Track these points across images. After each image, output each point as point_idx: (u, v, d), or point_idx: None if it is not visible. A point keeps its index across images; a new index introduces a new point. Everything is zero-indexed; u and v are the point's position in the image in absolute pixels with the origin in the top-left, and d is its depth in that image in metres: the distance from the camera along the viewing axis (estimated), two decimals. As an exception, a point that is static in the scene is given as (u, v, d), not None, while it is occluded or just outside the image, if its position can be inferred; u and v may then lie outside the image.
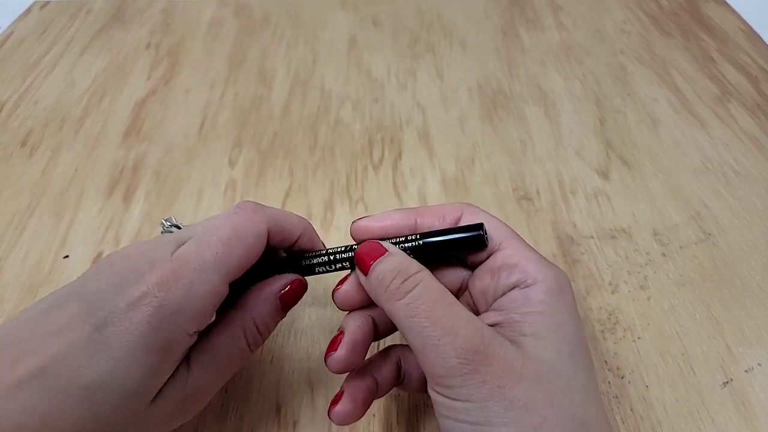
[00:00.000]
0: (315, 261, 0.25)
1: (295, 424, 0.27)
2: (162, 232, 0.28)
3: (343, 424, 0.24)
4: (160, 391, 0.20)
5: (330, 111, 0.45)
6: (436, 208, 0.24)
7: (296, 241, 0.25)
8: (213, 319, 0.22)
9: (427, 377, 0.20)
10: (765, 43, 0.52)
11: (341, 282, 0.24)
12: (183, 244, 0.22)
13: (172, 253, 0.21)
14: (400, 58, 0.51)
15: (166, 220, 0.30)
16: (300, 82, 0.48)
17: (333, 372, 0.23)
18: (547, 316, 0.21)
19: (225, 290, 0.21)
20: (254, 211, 0.23)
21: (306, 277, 0.25)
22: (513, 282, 0.22)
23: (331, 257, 0.24)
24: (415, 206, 0.26)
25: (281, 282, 0.24)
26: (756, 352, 0.29)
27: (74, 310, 0.20)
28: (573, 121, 0.44)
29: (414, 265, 0.21)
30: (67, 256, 0.35)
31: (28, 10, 0.59)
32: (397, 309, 0.20)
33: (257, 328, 0.23)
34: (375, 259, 0.22)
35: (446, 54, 0.51)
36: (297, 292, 0.24)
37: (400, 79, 0.48)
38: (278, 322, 0.24)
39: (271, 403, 0.28)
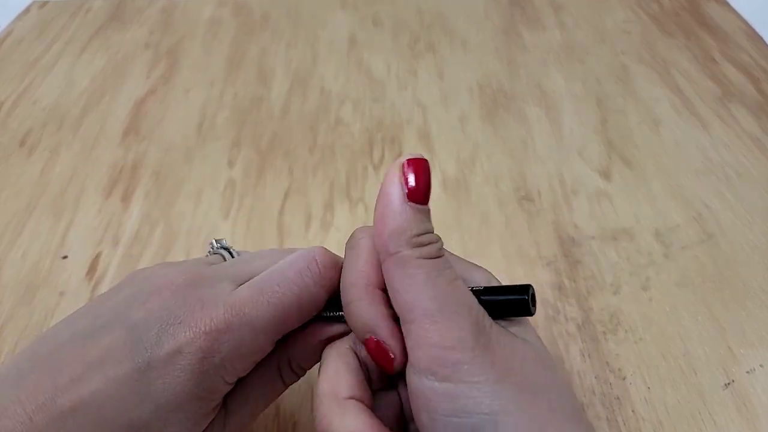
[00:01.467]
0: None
1: (294, 425, 0.27)
2: (210, 253, 0.25)
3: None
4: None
5: (330, 111, 0.45)
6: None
7: None
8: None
9: (417, 360, 0.18)
10: (766, 43, 0.52)
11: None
12: (239, 283, 0.20)
13: (224, 293, 0.20)
14: (401, 57, 0.51)
15: (217, 241, 0.26)
16: (300, 81, 0.48)
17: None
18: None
19: (270, 348, 0.20)
20: (323, 276, 0.21)
21: None
22: None
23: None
24: None
25: (328, 332, 0.22)
26: (758, 353, 0.29)
27: (117, 341, 0.19)
28: (574, 121, 0.43)
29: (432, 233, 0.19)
30: (65, 257, 0.35)
31: (27, 10, 0.58)
32: (420, 263, 0.18)
33: (294, 368, 0.22)
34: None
35: (447, 53, 0.51)
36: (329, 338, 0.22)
37: (401, 79, 0.48)
38: (317, 362, 0.22)
39: (270, 406, 0.28)
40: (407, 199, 0.18)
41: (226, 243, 0.26)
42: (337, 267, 0.21)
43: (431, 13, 0.57)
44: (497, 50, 0.51)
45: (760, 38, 0.52)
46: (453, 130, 0.43)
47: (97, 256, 0.35)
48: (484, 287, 0.20)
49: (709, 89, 0.46)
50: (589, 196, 0.38)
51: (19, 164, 0.41)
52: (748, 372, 0.28)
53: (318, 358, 0.21)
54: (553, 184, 0.39)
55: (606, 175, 0.39)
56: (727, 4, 0.57)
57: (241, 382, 0.21)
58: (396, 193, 0.19)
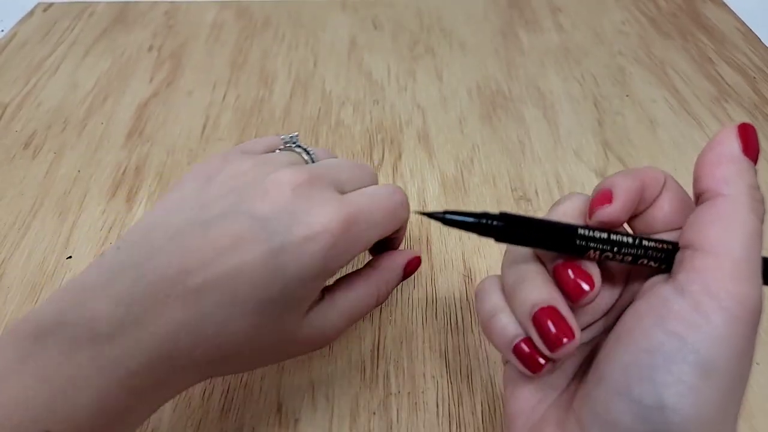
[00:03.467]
0: (599, 245, 0.19)
1: (296, 422, 0.27)
2: (281, 149, 0.27)
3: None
4: (307, 315, 0.23)
5: (331, 112, 0.46)
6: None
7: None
8: None
9: (689, 282, 0.17)
10: (762, 43, 0.52)
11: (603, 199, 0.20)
12: (338, 190, 0.23)
13: (337, 195, 0.23)
14: (400, 59, 0.51)
15: (290, 137, 0.28)
16: (301, 83, 0.49)
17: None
18: None
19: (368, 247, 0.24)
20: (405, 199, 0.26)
21: None
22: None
23: (624, 243, 0.19)
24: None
25: (408, 256, 0.27)
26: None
27: (246, 229, 0.21)
28: (572, 122, 0.44)
29: None
30: (70, 257, 0.35)
31: (31, 12, 0.59)
32: (755, 203, 0.18)
33: (386, 287, 0.26)
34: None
35: (446, 55, 0.52)
36: (416, 268, 0.27)
37: (400, 81, 0.49)
38: (399, 282, 0.27)
39: (272, 402, 0.28)
40: (744, 153, 0.19)
41: (298, 140, 0.28)
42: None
43: (430, 16, 0.57)
44: (496, 52, 0.52)
45: (757, 39, 0.53)
46: (452, 131, 0.44)
47: (101, 257, 0.35)
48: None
49: (706, 89, 0.47)
50: (586, 196, 0.38)
51: (24, 166, 0.41)
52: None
53: (397, 284, 0.26)
54: (550, 184, 0.39)
55: (603, 175, 0.40)
56: (724, 5, 0.57)
57: (347, 285, 0.25)
58: (736, 144, 0.19)
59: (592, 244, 0.19)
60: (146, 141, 0.43)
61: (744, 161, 0.18)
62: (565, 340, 0.18)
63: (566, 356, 0.19)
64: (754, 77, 0.48)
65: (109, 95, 0.48)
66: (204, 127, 0.45)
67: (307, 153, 0.27)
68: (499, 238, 0.20)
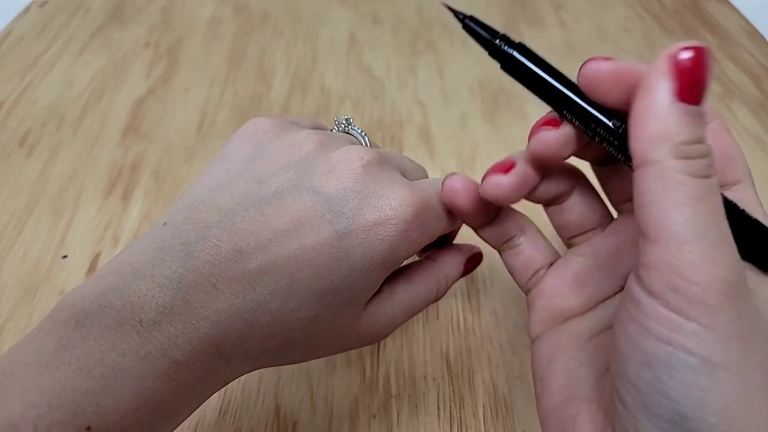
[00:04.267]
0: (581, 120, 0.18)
1: (294, 425, 0.27)
2: (335, 129, 0.26)
3: (497, 201, 0.21)
4: (366, 307, 0.21)
5: (330, 109, 0.45)
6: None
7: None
8: None
9: (650, 280, 0.15)
10: (767, 41, 0.52)
11: (553, 122, 0.19)
12: (404, 175, 0.22)
13: (404, 180, 0.21)
14: (401, 55, 0.51)
15: (345, 118, 0.26)
16: (299, 80, 0.48)
17: (489, 197, 0.20)
18: None
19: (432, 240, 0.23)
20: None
21: None
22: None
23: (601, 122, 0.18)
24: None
25: (470, 250, 0.26)
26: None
27: (308, 209, 0.19)
28: (574, 120, 0.43)
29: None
30: (65, 256, 0.35)
31: (27, 9, 0.58)
32: (682, 189, 0.15)
33: (446, 282, 0.24)
34: (698, 101, 0.16)
35: (447, 51, 0.51)
36: (477, 263, 0.26)
37: (401, 77, 0.48)
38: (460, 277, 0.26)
39: (271, 404, 0.28)
40: (677, 98, 0.15)
41: (353, 122, 0.27)
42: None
43: (431, 11, 0.56)
44: (497, 48, 0.51)
45: (761, 37, 0.52)
46: (453, 129, 0.43)
47: (97, 256, 0.35)
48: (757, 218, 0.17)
49: (710, 88, 0.46)
50: (589, 195, 0.37)
51: (19, 164, 0.41)
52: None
53: (457, 278, 0.25)
54: (553, 182, 0.38)
55: (607, 173, 0.39)
56: (728, 3, 0.57)
57: (406, 278, 0.23)
58: (663, 89, 0.15)
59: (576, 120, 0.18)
60: (142, 139, 0.43)
61: (674, 112, 0.15)
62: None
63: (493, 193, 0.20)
64: (759, 75, 0.47)
65: (105, 92, 0.47)
66: (201, 124, 0.44)
67: (363, 137, 0.25)
68: (504, 66, 0.19)
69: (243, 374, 0.20)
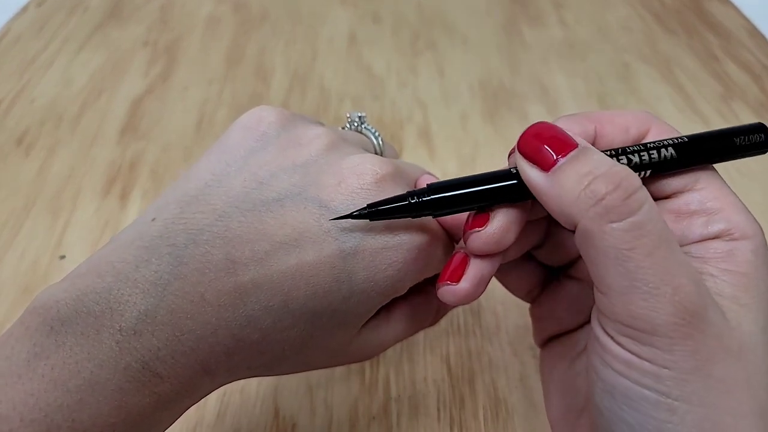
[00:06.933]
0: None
1: (293, 427, 0.27)
2: (347, 127, 0.24)
3: (459, 304, 0.19)
4: (361, 331, 0.20)
5: (329, 108, 0.45)
6: (615, 117, 0.19)
7: None
8: None
9: (605, 323, 0.16)
10: (769, 40, 0.51)
11: (480, 220, 0.18)
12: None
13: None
14: (401, 54, 0.50)
15: (359, 116, 0.24)
16: (299, 79, 0.48)
17: (449, 303, 0.19)
18: (752, 280, 0.17)
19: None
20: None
21: None
22: (715, 232, 0.17)
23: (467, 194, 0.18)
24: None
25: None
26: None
27: (311, 222, 0.17)
28: (575, 120, 0.43)
29: (635, 177, 0.16)
30: (63, 256, 0.34)
31: (25, 8, 0.58)
32: (607, 234, 0.15)
33: (444, 309, 0.23)
34: (563, 152, 0.16)
35: (447, 51, 0.51)
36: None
37: (401, 77, 0.48)
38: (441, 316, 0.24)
39: (269, 407, 0.27)
40: (546, 170, 0.16)
41: (367, 120, 0.24)
42: None
43: (432, 10, 0.56)
44: (498, 47, 0.51)
45: (762, 36, 0.52)
46: (454, 128, 0.43)
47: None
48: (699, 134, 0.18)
49: (711, 87, 0.46)
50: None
51: (17, 163, 0.41)
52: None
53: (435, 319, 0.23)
54: (554, 182, 0.38)
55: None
56: (730, 2, 0.57)
57: (405, 301, 0.21)
58: (530, 169, 0.16)
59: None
60: (141, 138, 0.42)
61: (554, 182, 0.16)
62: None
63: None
64: (760, 75, 0.47)
65: (103, 91, 0.47)
66: (200, 123, 0.44)
67: (376, 138, 0.23)
68: (435, 212, 0.18)
69: (223, 385, 0.19)
